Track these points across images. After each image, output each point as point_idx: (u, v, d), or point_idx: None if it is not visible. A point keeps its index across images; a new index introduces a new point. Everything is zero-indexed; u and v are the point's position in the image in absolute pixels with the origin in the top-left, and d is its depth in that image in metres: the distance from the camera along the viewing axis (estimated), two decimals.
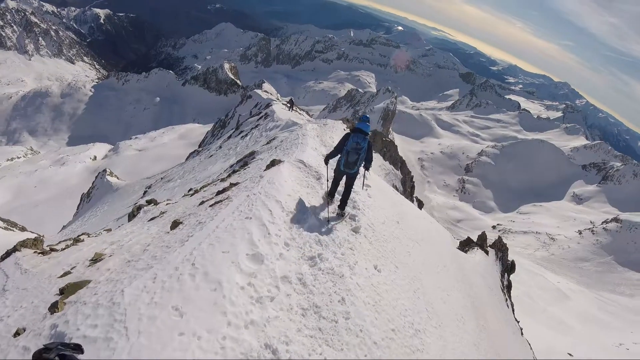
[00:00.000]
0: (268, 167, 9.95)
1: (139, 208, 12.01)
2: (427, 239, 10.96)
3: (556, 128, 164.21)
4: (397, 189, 22.35)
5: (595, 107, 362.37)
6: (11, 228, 32.24)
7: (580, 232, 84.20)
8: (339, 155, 8.22)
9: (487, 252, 15.63)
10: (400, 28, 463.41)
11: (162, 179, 32.95)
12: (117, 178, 47.03)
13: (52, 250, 8.84)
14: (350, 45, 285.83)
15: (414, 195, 27.67)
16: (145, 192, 29.49)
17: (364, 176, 9.71)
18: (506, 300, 15.20)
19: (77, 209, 44.21)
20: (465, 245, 15.62)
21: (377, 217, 8.99)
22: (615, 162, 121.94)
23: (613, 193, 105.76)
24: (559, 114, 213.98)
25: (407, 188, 24.60)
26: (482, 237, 16.80)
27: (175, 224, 7.83)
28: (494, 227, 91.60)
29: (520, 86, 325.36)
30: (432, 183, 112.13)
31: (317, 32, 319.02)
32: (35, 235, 31.85)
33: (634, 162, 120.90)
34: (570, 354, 26.78)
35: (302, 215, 7.47)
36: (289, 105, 41.22)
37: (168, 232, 7.60)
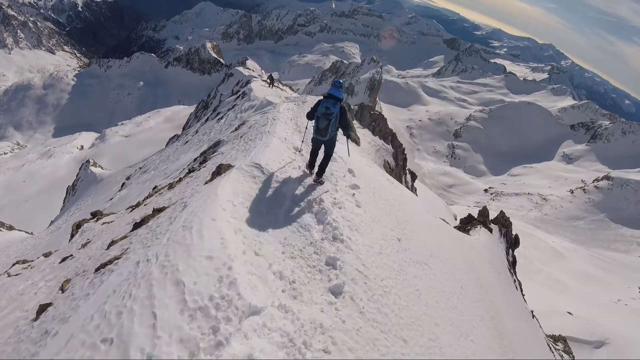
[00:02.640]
0: (213, 175, 7.98)
1: (78, 226, 10.78)
2: (435, 251, 8.94)
3: (543, 90, 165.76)
4: (389, 165, 21.62)
5: (581, 68, 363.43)
6: None
7: (572, 192, 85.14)
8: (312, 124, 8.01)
9: (490, 230, 14.85)
10: None
11: (140, 168, 31.42)
12: (102, 168, 46.15)
13: None
14: (332, 17, 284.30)
15: (406, 168, 26.95)
16: (123, 185, 28.15)
17: (347, 143, 9.29)
18: (514, 281, 14.54)
19: (63, 203, 43.51)
20: (467, 223, 15.01)
21: (372, 246, 6.69)
22: (603, 120, 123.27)
23: (602, 151, 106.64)
24: (545, 75, 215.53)
25: (399, 162, 23.92)
26: (484, 213, 16.24)
27: (42, 308, 5.51)
28: (485, 190, 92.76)
29: (505, 50, 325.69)
30: (421, 150, 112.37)
31: (298, 5, 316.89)
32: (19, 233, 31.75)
33: (622, 120, 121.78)
34: (569, 312, 26.79)
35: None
36: (268, 81, 39.30)
37: (32, 322, 5.45)
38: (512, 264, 15.81)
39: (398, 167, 23.61)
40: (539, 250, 46.09)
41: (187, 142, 29.18)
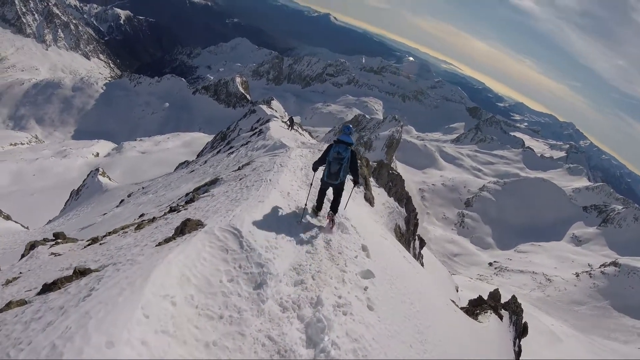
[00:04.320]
0: (176, 232, 6.23)
1: (32, 247, 9.72)
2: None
3: (559, 168, 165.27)
4: (400, 229, 20.88)
5: (599, 149, 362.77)
6: None
7: (577, 275, 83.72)
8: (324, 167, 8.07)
9: (501, 317, 13.75)
10: (411, 59, 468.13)
11: (143, 188, 30.70)
12: (109, 179, 46.22)
13: None
14: (361, 71, 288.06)
15: (416, 234, 26.75)
16: (121, 201, 27.35)
17: (350, 193, 9.48)
18: None
19: (64, 205, 43.34)
20: (477, 305, 14.15)
21: None
22: (616, 204, 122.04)
23: (613, 236, 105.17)
24: (563, 153, 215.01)
25: (411, 226, 23.66)
26: (495, 297, 15.40)
27: None
28: (490, 264, 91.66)
29: (526, 124, 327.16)
30: (431, 215, 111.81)
31: (329, 55, 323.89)
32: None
33: (635, 206, 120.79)
34: None
35: None
36: (288, 123, 38.40)
37: None
38: (518, 354, 15.01)
39: (408, 232, 23.38)
40: (538, 332, 45.36)
41: (192, 171, 27.94)
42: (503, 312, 14.36)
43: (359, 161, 9.44)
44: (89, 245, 8.86)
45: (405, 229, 22.72)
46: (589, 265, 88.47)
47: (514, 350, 14.09)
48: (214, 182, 13.40)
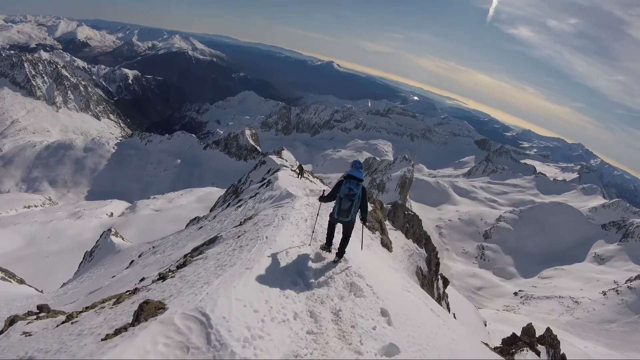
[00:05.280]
0: (134, 318, 5.11)
1: (12, 322, 9.08)
2: None
3: (573, 189, 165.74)
4: (422, 271, 20.26)
5: (610, 166, 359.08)
6: (8, 279, 31.89)
7: (604, 293, 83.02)
8: (334, 203, 7.90)
9: (538, 353, 12.86)
10: (416, 98, 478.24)
11: (153, 247, 28.98)
12: (122, 239, 44.80)
13: None
14: (368, 115, 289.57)
15: (439, 274, 26.15)
16: (131, 262, 25.62)
17: (362, 233, 9.57)
18: None
19: (78, 267, 42.14)
20: (511, 343, 13.18)
21: None
22: (634, 218, 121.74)
23: (635, 250, 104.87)
24: (575, 175, 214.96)
25: (432, 267, 23.43)
26: (530, 332, 14.20)
27: None
28: (515, 293, 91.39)
29: (535, 150, 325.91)
30: (450, 250, 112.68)
31: (336, 102, 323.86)
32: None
33: None
34: None
35: None
36: (297, 171, 36.68)
37: None
38: None
39: (430, 273, 22.50)
40: (572, 356, 45.79)
41: (201, 227, 26.59)
42: (539, 347, 13.51)
43: (367, 200, 8.89)
44: (62, 323, 7.59)
45: (427, 270, 22.21)
46: (614, 282, 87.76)
47: None
48: (212, 241, 12.10)
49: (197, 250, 11.93)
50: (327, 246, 8.58)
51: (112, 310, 6.81)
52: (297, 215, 11.46)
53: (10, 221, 67.03)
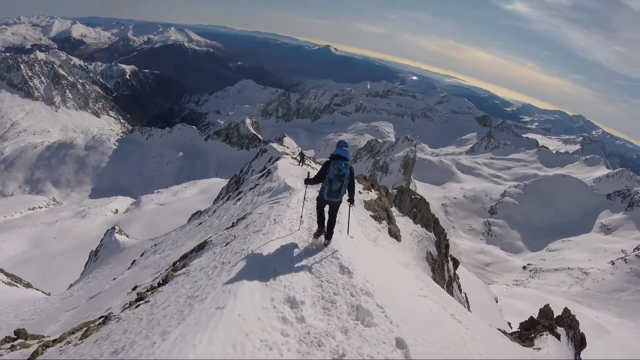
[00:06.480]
0: None
1: None
2: None
3: (576, 161, 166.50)
4: (432, 255, 19.58)
5: (612, 136, 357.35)
6: (15, 284, 31.50)
7: (613, 263, 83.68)
8: (321, 184, 7.81)
9: (558, 336, 12.48)
10: (414, 78, 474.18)
11: (155, 245, 28.16)
12: (127, 236, 44.45)
13: None
14: (367, 97, 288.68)
15: (448, 255, 25.67)
16: (133, 262, 24.55)
17: (348, 215, 9.12)
18: None
19: (84, 267, 41.71)
20: (529, 327, 12.87)
21: None
22: (639, 186, 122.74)
23: None
24: (577, 146, 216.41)
25: (442, 249, 22.98)
26: (548, 314, 13.95)
27: None
28: (524, 267, 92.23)
29: (536, 124, 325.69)
30: (457, 228, 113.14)
31: (335, 86, 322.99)
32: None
33: None
34: None
35: None
36: (298, 159, 35.21)
37: None
38: None
39: (440, 256, 21.95)
40: (583, 327, 45.14)
41: (200, 223, 25.49)
42: (559, 329, 13.08)
43: (355, 180, 8.62)
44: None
45: (437, 254, 21.64)
46: (622, 251, 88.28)
47: None
48: (202, 247, 11.04)
49: (185, 259, 10.94)
50: (320, 230, 8.26)
51: (75, 350, 6.17)
52: (291, 216, 10.30)
53: (15, 224, 66.70)
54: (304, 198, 10.16)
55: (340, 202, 7.84)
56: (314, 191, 9.46)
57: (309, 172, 10.36)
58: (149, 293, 7.80)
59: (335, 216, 8.15)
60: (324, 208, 8.18)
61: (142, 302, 7.14)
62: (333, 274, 6.66)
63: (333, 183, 7.44)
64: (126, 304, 8.10)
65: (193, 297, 5.87)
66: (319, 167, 39.84)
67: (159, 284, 8.47)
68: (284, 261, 6.94)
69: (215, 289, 5.73)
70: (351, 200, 8.05)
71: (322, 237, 8.14)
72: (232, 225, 12.70)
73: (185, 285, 6.84)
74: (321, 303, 5.70)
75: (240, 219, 13.41)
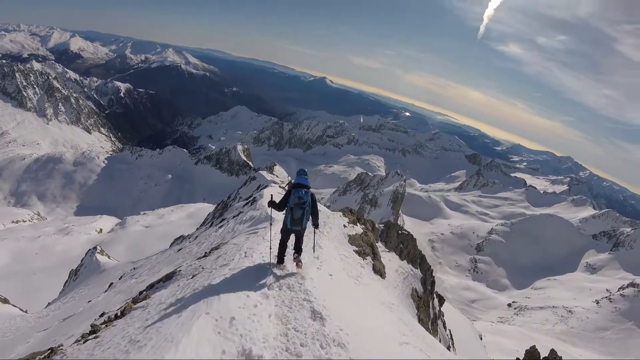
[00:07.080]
0: None
1: None
2: None
3: (563, 201, 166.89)
4: (417, 293, 19.40)
5: (599, 177, 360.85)
6: None
7: (597, 302, 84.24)
8: (284, 214, 7.87)
9: None
10: (407, 114, 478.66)
11: (134, 269, 27.86)
12: (108, 257, 43.29)
13: None
14: (360, 131, 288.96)
15: (434, 292, 25.45)
16: (110, 285, 24.19)
17: (314, 237, 9.41)
18: None
19: (63, 286, 40.35)
20: None
21: None
22: (624, 227, 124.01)
23: (626, 259, 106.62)
24: (565, 187, 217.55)
25: (428, 286, 22.81)
26: (534, 355, 13.79)
27: None
28: (509, 304, 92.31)
29: (525, 164, 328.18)
30: (443, 264, 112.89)
31: (328, 117, 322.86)
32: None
33: None
34: None
35: None
36: (286, 188, 31.58)
37: None
38: None
39: (426, 293, 21.61)
40: None
41: (180, 249, 24.79)
42: None
43: (318, 203, 8.49)
44: None
45: (422, 291, 21.26)
46: (607, 290, 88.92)
47: None
48: (169, 277, 10.54)
49: (152, 288, 10.46)
50: (279, 264, 8.13)
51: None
52: (264, 249, 9.42)
53: None
54: (270, 222, 9.39)
55: (304, 229, 7.90)
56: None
57: (272, 195, 9.88)
58: (103, 326, 7.27)
59: (302, 239, 8.28)
60: (287, 241, 8.19)
61: (91, 337, 6.62)
62: (302, 320, 5.86)
63: (294, 211, 7.55)
64: (79, 337, 7.39)
65: (134, 341, 5.09)
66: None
67: (116, 316, 7.97)
68: (245, 303, 5.98)
69: (158, 335, 4.92)
70: (315, 225, 8.22)
71: (286, 264, 8.15)
72: (205, 255, 12.25)
73: (135, 324, 6.20)
74: (284, 356, 4.82)
75: (214, 248, 13.11)
